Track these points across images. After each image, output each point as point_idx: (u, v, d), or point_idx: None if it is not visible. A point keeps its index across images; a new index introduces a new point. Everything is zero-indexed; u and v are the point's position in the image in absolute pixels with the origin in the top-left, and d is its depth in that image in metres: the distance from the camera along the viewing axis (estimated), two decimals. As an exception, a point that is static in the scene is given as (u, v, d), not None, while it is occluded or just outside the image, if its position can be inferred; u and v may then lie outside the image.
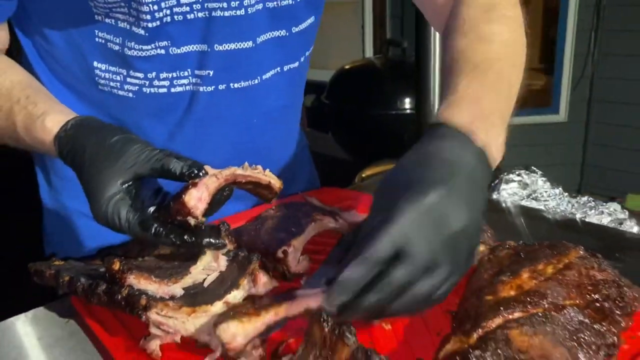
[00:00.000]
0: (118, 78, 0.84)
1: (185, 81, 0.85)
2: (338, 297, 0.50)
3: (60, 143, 0.68)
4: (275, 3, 0.85)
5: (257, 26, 0.85)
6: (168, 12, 0.77)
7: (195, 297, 0.66)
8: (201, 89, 0.86)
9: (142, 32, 0.79)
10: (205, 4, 0.79)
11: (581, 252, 0.63)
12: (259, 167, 0.70)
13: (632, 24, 3.72)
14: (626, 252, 0.77)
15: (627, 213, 0.96)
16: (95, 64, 0.84)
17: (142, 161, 0.63)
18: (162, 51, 0.81)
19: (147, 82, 0.84)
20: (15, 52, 0.89)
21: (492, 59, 0.66)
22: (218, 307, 0.64)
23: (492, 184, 1.02)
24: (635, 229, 0.92)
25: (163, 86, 0.85)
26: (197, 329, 0.62)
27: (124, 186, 0.63)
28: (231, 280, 0.68)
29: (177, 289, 0.66)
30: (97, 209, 0.63)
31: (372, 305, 0.50)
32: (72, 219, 0.99)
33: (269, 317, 0.59)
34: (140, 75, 0.83)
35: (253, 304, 0.62)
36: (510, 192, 1.01)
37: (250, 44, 0.85)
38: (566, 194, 1.01)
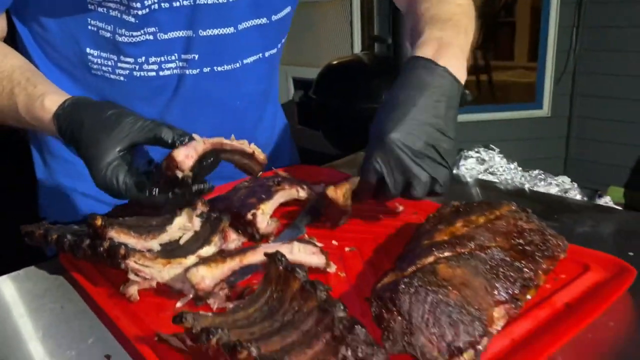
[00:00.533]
0: (109, 63, 0.92)
1: (172, 65, 0.93)
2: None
3: (58, 120, 0.75)
4: None
5: (239, 14, 0.92)
6: (156, 0, 0.85)
7: (171, 252, 0.73)
8: (187, 72, 0.94)
9: (132, 19, 0.86)
10: None
11: (512, 207, 0.71)
12: (245, 141, 0.78)
13: (612, 19, 3.81)
14: (564, 214, 0.85)
15: (575, 185, 1.04)
16: (87, 50, 0.91)
17: (136, 130, 0.71)
18: (151, 37, 0.89)
19: (137, 67, 0.91)
20: (12, 39, 0.96)
21: (450, 12, 0.81)
22: (191, 260, 0.72)
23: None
24: (578, 197, 1.00)
25: (152, 70, 0.92)
26: (172, 277, 0.70)
27: (120, 154, 0.70)
28: (204, 238, 0.76)
29: (154, 244, 0.73)
30: (97, 175, 0.70)
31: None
32: (64, 194, 1.06)
33: (234, 263, 0.67)
34: (131, 60, 0.91)
35: (221, 254, 0.69)
36: (468, 167, 1.09)
37: (232, 29, 0.93)
38: (520, 168, 1.09)
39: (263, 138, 1.11)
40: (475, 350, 0.52)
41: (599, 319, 0.59)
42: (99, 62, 0.92)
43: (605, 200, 0.99)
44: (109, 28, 0.87)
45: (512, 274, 0.59)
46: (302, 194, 0.91)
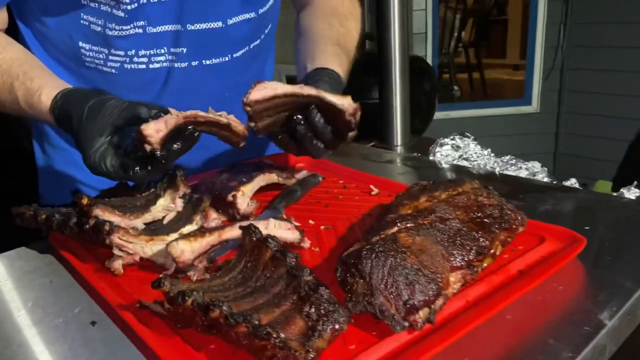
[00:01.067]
0: (101, 56, 0.95)
1: (162, 58, 0.97)
2: None
3: (54, 114, 0.80)
4: None
5: (228, 9, 0.96)
6: None
7: (155, 230, 0.78)
8: (176, 65, 0.98)
9: (121, 14, 0.89)
10: None
11: (475, 184, 0.76)
12: (223, 112, 0.78)
13: (599, 16, 3.87)
14: (528, 194, 0.90)
15: (545, 170, 1.09)
16: (80, 43, 0.95)
17: (115, 114, 0.75)
18: (140, 30, 0.92)
19: (128, 59, 0.95)
20: (14, 32, 0.99)
21: (340, 34, 1.01)
22: (173, 237, 0.76)
23: (430, 147, 1.15)
24: (545, 180, 1.05)
25: (142, 62, 0.96)
26: (154, 253, 0.74)
27: (106, 139, 0.74)
28: (186, 217, 0.81)
29: (138, 222, 0.78)
30: (87, 161, 0.74)
31: None
32: (63, 182, 1.10)
33: (212, 238, 0.71)
34: (121, 53, 0.94)
35: (202, 230, 0.74)
36: (444, 154, 1.13)
37: (220, 24, 0.96)
38: (493, 154, 1.14)
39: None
40: (430, 309, 0.57)
41: (549, 284, 0.64)
42: (91, 55, 0.95)
43: (571, 182, 1.04)
44: (100, 22, 0.91)
45: (468, 242, 0.64)
46: (282, 178, 0.96)
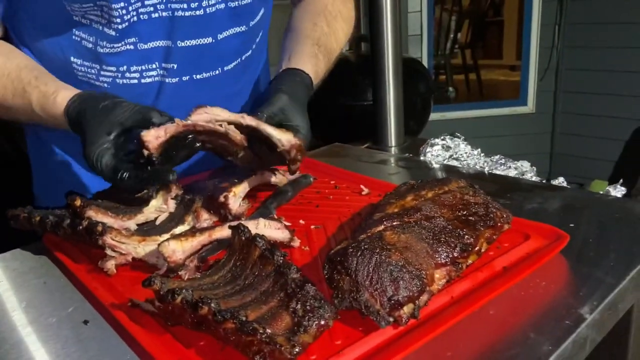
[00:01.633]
0: (93, 71, 0.96)
1: (153, 73, 0.97)
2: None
3: (68, 115, 0.81)
4: (236, 2, 0.97)
5: (218, 24, 0.97)
6: (134, 13, 0.89)
7: (147, 231, 0.79)
8: (167, 80, 0.98)
9: (112, 32, 0.90)
10: (169, 4, 0.90)
11: (461, 183, 0.77)
12: (224, 122, 0.80)
13: (594, 16, 3.89)
14: (516, 193, 0.91)
15: (534, 169, 1.11)
16: (72, 58, 0.95)
17: (126, 115, 0.76)
18: (131, 47, 0.93)
19: (120, 74, 0.96)
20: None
21: (324, 34, 1.04)
22: (165, 238, 0.77)
23: (420, 148, 1.16)
24: (534, 179, 1.06)
25: (134, 78, 0.97)
26: (147, 253, 0.75)
27: (110, 137, 0.76)
28: (178, 218, 0.82)
29: (130, 224, 0.79)
30: (87, 156, 0.75)
31: None
32: (56, 185, 1.11)
33: (203, 237, 0.73)
34: (113, 68, 0.95)
35: (193, 231, 0.75)
36: (434, 154, 1.15)
37: (210, 39, 0.97)
38: (483, 154, 1.15)
39: None
40: (415, 305, 0.58)
41: (532, 280, 0.65)
42: (83, 70, 0.96)
43: (559, 181, 1.05)
44: (91, 39, 0.92)
45: (453, 240, 0.65)
46: (274, 179, 0.97)
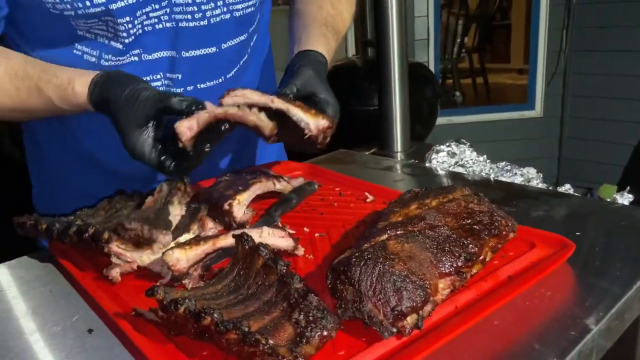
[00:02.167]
0: None
1: (158, 83, 0.97)
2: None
3: (92, 101, 0.82)
4: (241, 11, 0.98)
5: (222, 34, 0.97)
6: (140, 25, 0.89)
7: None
8: (172, 90, 0.98)
9: (119, 46, 0.90)
10: (172, 15, 0.91)
11: (465, 191, 0.77)
12: (255, 109, 0.79)
13: (601, 20, 3.87)
14: (522, 200, 0.91)
15: (540, 176, 1.10)
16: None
17: (148, 106, 0.78)
18: (136, 58, 0.93)
19: None
20: None
21: (330, 15, 1.05)
22: (171, 246, 0.77)
23: (426, 154, 1.16)
24: (540, 185, 1.06)
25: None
26: (151, 261, 0.75)
27: (142, 129, 0.79)
28: (183, 226, 0.82)
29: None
30: (129, 151, 0.79)
31: None
32: (53, 192, 1.12)
33: (207, 246, 0.73)
34: None
35: (197, 239, 0.75)
36: (440, 160, 1.14)
37: (214, 49, 0.97)
38: (489, 161, 1.15)
39: (247, 138, 1.16)
40: (418, 315, 0.58)
41: (537, 290, 0.65)
42: None
43: (566, 188, 1.04)
44: (95, 53, 0.92)
45: (457, 249, 0.65)
46: (279, 186, 0.97)
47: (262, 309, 0.58)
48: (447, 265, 0.63)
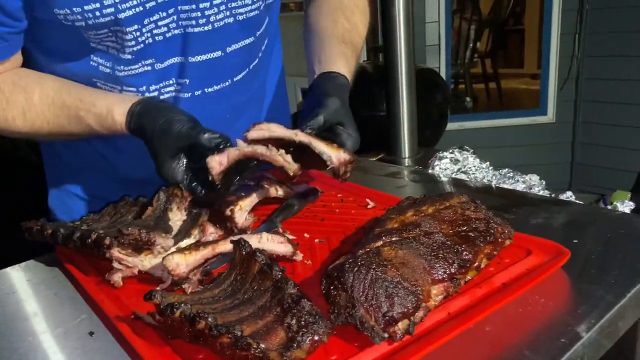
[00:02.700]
0: (115, 91, 0.98)
1: (171, 89, 1.00)
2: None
3: (130, 129, 0.87)
4: (244, 15, 0.99)
5: (227, 37, 0.99)
6: (149, 34, 0.91)
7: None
8: (181, 95, 1.01)
9: (128, 56, 0.93)
10: (180, 22, 0.93)
11: (463, 199, 0.78)
12: (282, 150, 0.83)
13: (613, 25, 3.85)
14: (522, 207, 0.91)
15: (543, 183, 1.10)
16: (93, 80, 0.97)
17: (181, 139, 0.83)
18: (149, 67, 0.95)
19: (140, 94, 0.98)
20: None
21: (346, 30, 1.06)
22: (171, 251, 0.79)
23: (429, 161, 1.17)
24: (541, 193, 1.06)
25: (153, 96, 0.99)
26: (153, 266, 0.77)
27: (174, 159, 0.84)
28: (185, 231, 0.84)
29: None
30: (163, 178, 0.85)
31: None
32: (68, 198, 1.15)
33: (207, 251, 0.74)
34: (133, 89, 0.97)
35: (196, 244, 0.77)
36: (442, 167, 1.15)
37: (219, 53, 0.99)
38: (491, 167, 1.15)
39: None
40: (410, 321, 0.59)
41: (531, 296, 0.65)
42: (107, 88, 0.98)
43: (567, 196, 1.04)
44: (108, 64, 0.95)
45: (451, 256, 0.66)
46: (281, 192, 0.98)
47: (257, 313, 0.59)
48: (440, 272, 0.64)
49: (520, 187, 1.08)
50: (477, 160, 1.15)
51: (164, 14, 0.89)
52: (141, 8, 0.85)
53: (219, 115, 1.03)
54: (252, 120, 1.13)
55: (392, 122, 1.89)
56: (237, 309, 0.60)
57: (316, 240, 0.85)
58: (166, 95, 0.99)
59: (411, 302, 0.59)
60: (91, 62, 0.94)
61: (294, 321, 0.56)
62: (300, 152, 0.84)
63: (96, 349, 0.64)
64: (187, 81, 0.98)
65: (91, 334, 0.67)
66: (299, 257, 0.78)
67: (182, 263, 0.72)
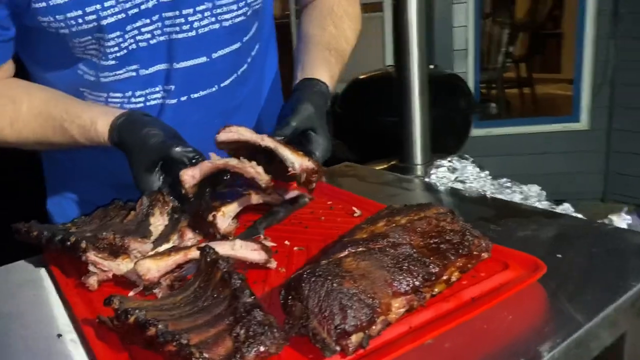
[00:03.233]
0: (101, 99, 1.00)
1: (157, 95, 1.01)
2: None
3: (112, 142, 0.90)
4: (230, 21, 0.99)
5: (211, 43, 0.99)
6: (132, 40, 0.93)
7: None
8: (167, 101, 1.02)
9: (112, 62, 0.94)
10: (165, 29, 0.94)
11: (440, 209, 0.76)
12: (253, 162, 0.84)
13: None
14: (511, 219, 0.88)
15: (543, 194, 1.07)
16: (80, 89, 1.00)
17: (154, 154, 0.86)
18: (134, 73, 0.97)
19: (126, 100, 1.00)
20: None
21: (333, 37, 1.07)
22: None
23: (426, 169, 1.15)
24: (537, 205, 1.02)
25: (140, 102, 1.01)
26: (128, 270, 0.78)
27: (149, 172, 0.87)
28: (163, 236, 0.84)
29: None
30: (138, 188, 0.88)
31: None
32: (69, 200, 1.17)
33: (178, 257, 0.74)
34: (119, 94, 0.99)
35: (169, 250, 0.77)
36: (439, 176, 1.13)
37: (204, 59, 1.00)
38: (490, 177, 1.12)
39: None
40: (365, 334, 0.57)
41: (499, 312, 0.63)
42: (93, 99, 1.00)
43: (563, 207, 1.00)
44: (92, 72, 0.96)
45: (416, 268, 0.64)
46: (268, 198, 0.98)
47: (211, 321, 0.59)
48: (403, 285, 0.63)
49: (517, 197, 1.05)
50: (477, 169, 1.13)
51: (148, 20, 0.90)
52: (124, 15, 0.87)
53: (207, 122, 1.03)
54: (245, 123, 1.13)
55: (403, 128, 1.86)
56: (192, 316, 0.60)
57: (295, 248, 0.84)
58: (153, 102, 1.00)
59: (366, 314, 0.57)
60: (78, 71, 0.96)
61: (242, 331, 0.55)
62: (270, 160, 0.84)
63: (60, 352, 0.65)
64: (173, 87, 0.99)
65: (59, 336, 0.68)
66: (273, 264, 0.78)
67: (153, 268, 0.72)
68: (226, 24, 0.97)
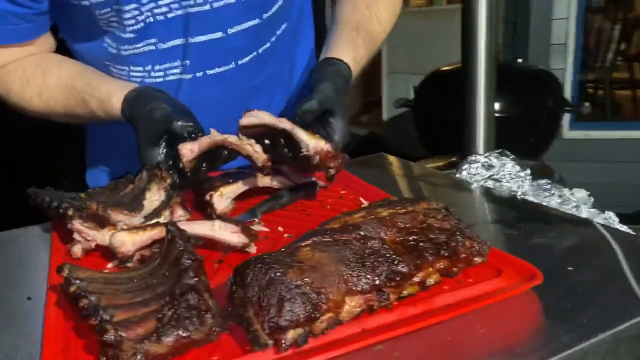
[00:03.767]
0: (124, 73, 1.02)
1: (176, 71, 1.01)
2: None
3: (124, 115, 0.91)
4: None
5: (227, 18, 0.97)
6: (149, 13, 0.93)
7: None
8: (183, 77, 1.01)
9: (131, 35, 0.95)
10: (181, 2, 0.93)
11: (433, 205, 0.68)
12: (252, 141, 0.83)
13: None
14: (531, 223, 0.78)
15: (591, 200, 0.94)
16: (105, 62, 1.02)
17: (157, 127, 0.86)
18: (152, 47, 0.98)
19: (147, 74, 1.01)
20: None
21: (363, 17, 1.01)
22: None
23: (458, 164, 1.05)
24: (573, 211, 0.90)
25: (159, 76, 1.01)
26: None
27: (152, 145, 0.86)
28: (156, 211, 0.83)
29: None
30: (141, 160, 0.88)
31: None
32: (102, 179, 1.21)
33: (154, 232, 0.72)
34: (140, 68, 1.01)
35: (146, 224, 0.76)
36: (472, 172, 1.03)
37: (220, 34, 0.98)
38: (530, 177, 1.00)
39: None
40: (304, 331, 0.52)
41: (469, 324, 0.55)
42: (116, 72, 1.02)
43: (605, 217, 0.86)
44: (114, 45, 0.98)
45: (380, 266, 0.57)
46: (275, 182, 0.94)
47: (148, 301, 0.56)
48: (362, 282, 0.56)
49: (554, 202, 0.93)
50: (517, 167, 1.01)
51: None
52: None
53: (223, 99, 1.01)
54: (264, 108, 1.10)
55: (466, 122, 1.74)
56: (134, 292, 0.58)
57: (285, 235, 0.80)
58: (172, 77, 1.00)
59: (305, 310, 0.52)
60: (103, 44, 0.98)
61: (169, 313, 0.52)
62: (293, 151, 0.83)
63: (25, 314, 0.65)
64: (188, 62, 0.98)
65: (29, 298, 0.68)
66: (253, 249, 0.74)
67: (128, 241, 0.71)
68: None
